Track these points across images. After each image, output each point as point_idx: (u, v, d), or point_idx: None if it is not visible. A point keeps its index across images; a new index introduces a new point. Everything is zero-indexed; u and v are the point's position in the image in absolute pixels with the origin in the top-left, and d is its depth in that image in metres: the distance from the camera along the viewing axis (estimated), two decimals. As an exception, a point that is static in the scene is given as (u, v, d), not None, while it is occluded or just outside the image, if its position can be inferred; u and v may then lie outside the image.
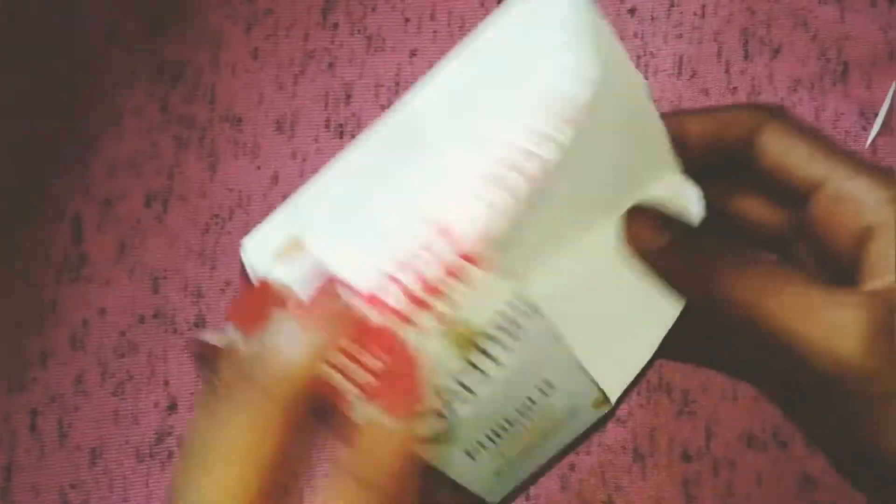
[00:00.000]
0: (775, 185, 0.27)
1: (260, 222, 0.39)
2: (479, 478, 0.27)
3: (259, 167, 0.40)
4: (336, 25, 0.41)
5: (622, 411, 0.37)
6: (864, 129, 0.38)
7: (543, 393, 0.26)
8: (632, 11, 0.40)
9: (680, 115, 0.28)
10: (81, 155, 0.41)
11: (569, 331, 0.26)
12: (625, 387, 0.27)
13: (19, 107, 0.42)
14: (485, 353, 0.24)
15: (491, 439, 0.26)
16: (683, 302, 0.27)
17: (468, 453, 0.26)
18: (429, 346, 0.23)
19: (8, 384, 0.39)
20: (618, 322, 0.27)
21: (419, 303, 0.23)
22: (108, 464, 0.38)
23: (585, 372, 0.26)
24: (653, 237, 0.26)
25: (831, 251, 0.26)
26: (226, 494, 0.20)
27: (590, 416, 0.27)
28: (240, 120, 0.41)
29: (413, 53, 0.41)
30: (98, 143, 0.41)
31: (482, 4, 0.41)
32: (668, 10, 0.40)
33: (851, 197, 0.25)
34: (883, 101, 0.38)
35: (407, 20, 0.41)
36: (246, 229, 0.39)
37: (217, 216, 0.40)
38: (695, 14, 0.40)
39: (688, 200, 0.26)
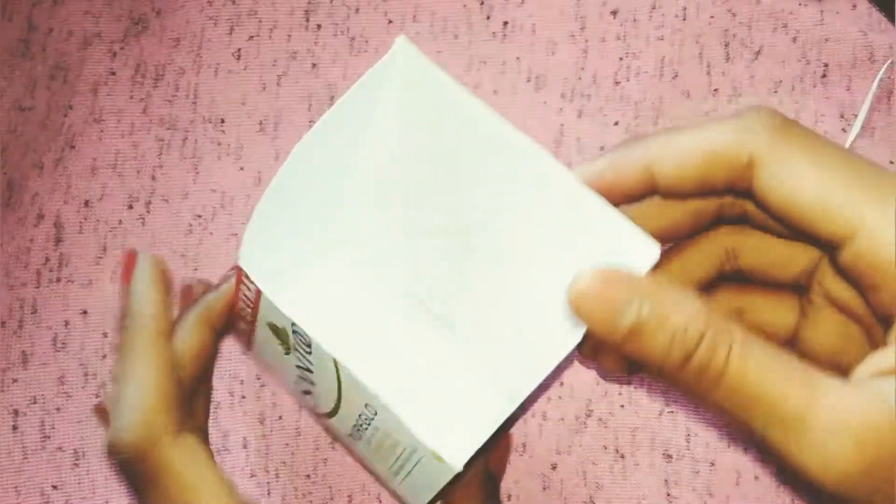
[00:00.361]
0: (788, 228, 0.23)
1: (243, 223, 0.40)
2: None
3: (242, 168, 0.40)
4: (319, 27, 0.41)
5: (603, 411, 0.37)
6: (844, 130, 0.39)
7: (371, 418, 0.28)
8: (614, 13, 0.40)
9: (647, 159, 0.24)
10: (61, 156, 0.41)
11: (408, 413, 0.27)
12: (469, 452, 0.27)
13: (0, 107, 0.42)
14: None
15: None
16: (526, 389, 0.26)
17: None
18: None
19: (-11, 385, 0.39)
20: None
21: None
22: (91, 465, 0.38)
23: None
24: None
25: (868, 302, 0.23)
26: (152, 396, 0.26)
27: (433, 468, 0.27)
28: (222, 121, 0.41)
29: (396, 54, 0.41)
30: (78, 144, 0.41)
31: (465, 6, 0.41)
32: (650, 13, 0.40)
33: (888, 252, 0.21)
34: (862, 102, 0.39)
35: (390, 21, 0.41)
36: (229, 230, 0.40)
37: (200, 217, 0.40)
38: (676, 16, 0.40)
39: (632, 254, 0.25)
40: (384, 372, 0.27)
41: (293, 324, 0.27)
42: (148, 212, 0.40)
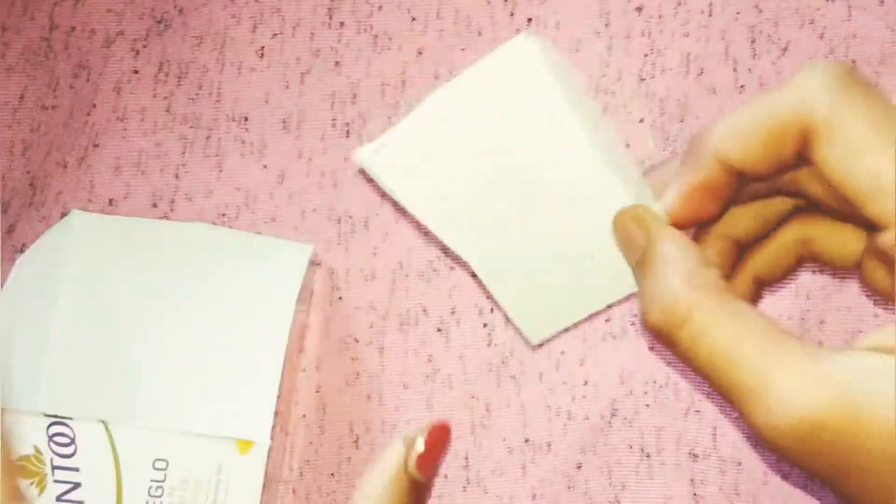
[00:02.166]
0: (845, 207, 0.23)
1: (266, 221, 0.39)
2: None
3: (265, 166, 0.40)
4: (342, 24, 0.41)
5: (628, 411, 0.37)
6: (873, 129, 0.38)
7: (163, 471, 0.31)
8: (639, 10, 0.40)
9: (716, 151, 0.24)
10: (85, 155, 0.41)
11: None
12: (267, 424, 0.32)
13: (23, 106, 0.42)
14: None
15: None
16: None
17: None
18: None
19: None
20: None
21: None
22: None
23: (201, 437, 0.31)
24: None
25: None
26: None
27: (245, 462, 0.31)
28: (246, 119, 0.40)
29: (419, 52, 0.40)
30: (102, 142, 0.41)
31: (489, 3, 0.40)
32: (676, 9, 0.40)
33: None
34: (891, 99, 0.38)
35: (413, 19, 0.41)
36: (252, 228, 0.39)
37: (223, 215, 0.40)
38: (702, 12, 0.40)
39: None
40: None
41: (49, 425, 0.31)
42: (172, 210, 0.40)
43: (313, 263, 0.36)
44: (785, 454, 0.21)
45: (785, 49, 0.39)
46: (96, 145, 0.41)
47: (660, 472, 0.37)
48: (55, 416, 0.31)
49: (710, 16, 0.40)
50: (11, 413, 0.31)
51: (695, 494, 0.36)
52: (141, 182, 0.40)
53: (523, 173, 0.27)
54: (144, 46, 0.41)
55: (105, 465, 0.31)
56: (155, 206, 0.40)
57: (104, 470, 0.31)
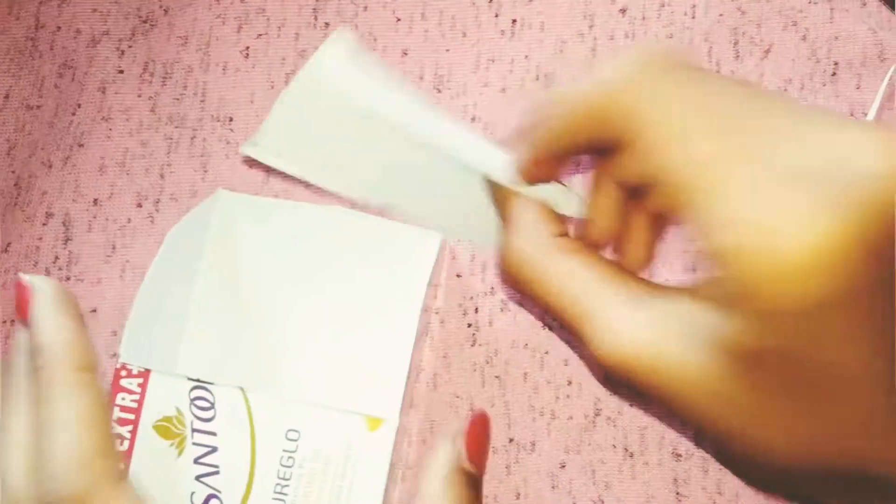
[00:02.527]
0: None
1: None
2: None
3: (251, 166, 0.40)
4: (327, 25, 0.41)
5: (612, 410, 0.37)
6: (853, 130, 0.39)
7: (295, 441, 0.32)
8: (623, 11, 0.40)
9: (550, 121, 0.26)
10: (70, 155, 0.41)
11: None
12: (398, 403, 0.32)
13: (7, 106, 0.42)
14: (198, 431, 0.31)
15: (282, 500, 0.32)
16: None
17: None
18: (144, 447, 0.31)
19: (-1, 384, 0.39)
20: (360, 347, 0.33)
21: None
22: (100, 463, 0.38)
23: (329, 407, 0.32)
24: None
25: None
26: None
27: (373, 439, 0.32)
28: (231, 119, 0.40)
29: (404, 53, 0.40)
30: (87, 142, 0.41)
31: (473, 4, 0.41)
32: (659, 10, 0.40)
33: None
34: (872, 101, 0.39)
35: (398, 20, 0.41)
36: (237, 229, 0.39)
37: (208, 216, 0.40)
38: (685, 14, 0.40)
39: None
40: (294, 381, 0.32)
41: (191, 389, 0.32)
42: (157, 210, 0.40)
43: (442, 250, 0.37)
44: (619, 382, 0.26)
45: (768, 51, 0.39)
46: (81, 145, 0.41)
47: (643, 471, 0.37)
48: (197, 380, 0.32)
49: (693, 17, 0.40)
50: (157, 374, 0.32)
51: (678, 493, 0.36)
52: (126, 182, 0.40)
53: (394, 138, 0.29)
54: (130, 46, 0.41)
55: (241, 432, 0.32)
56: (140, 205, 0.40)
57: (240, 436, 0.32)
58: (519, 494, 0.37)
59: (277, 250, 0.35)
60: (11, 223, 0.40)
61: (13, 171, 0.41)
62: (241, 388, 0.32)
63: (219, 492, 0.31)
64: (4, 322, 0.39)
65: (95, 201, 0.40)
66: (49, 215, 0.40)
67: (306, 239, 0.35)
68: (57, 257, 0.40)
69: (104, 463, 0.23)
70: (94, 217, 0.40)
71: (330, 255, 0.35)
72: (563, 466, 0.37)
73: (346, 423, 0.32)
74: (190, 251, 0.35)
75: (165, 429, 0.32)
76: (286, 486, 0.31)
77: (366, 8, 0.41)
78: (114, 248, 0.40)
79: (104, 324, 0.39)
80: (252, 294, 0.33)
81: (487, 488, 0.37)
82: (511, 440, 0.37)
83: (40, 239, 0.40)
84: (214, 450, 0.31)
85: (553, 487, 0.37)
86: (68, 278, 0.40)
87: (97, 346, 0.39)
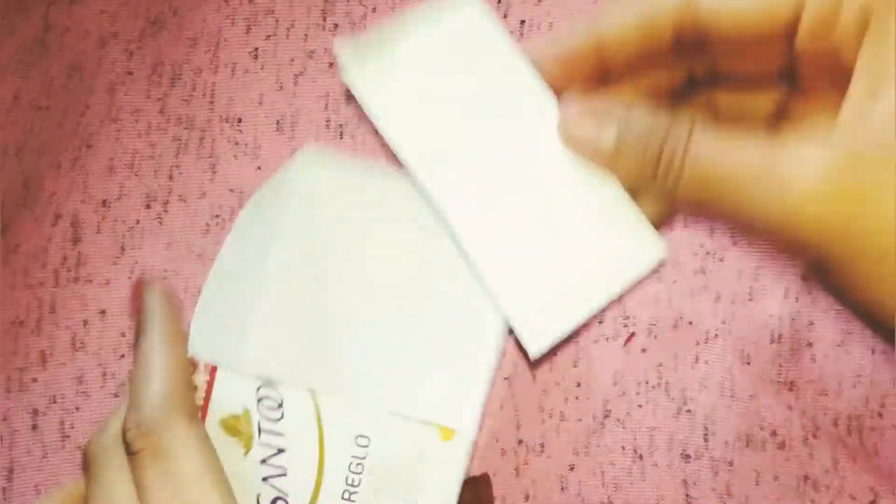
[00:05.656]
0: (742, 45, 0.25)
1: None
2: None
3: (259, 167, 0.40)
4: (336, 26, 0.41)
5: (621, 412, 0.37)
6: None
7: (365, 448, 0.30)
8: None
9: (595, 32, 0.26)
10: (79, 156, 0.41)
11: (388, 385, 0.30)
12: (475, 414, 0.30)
13: (16, 107, 0.42)
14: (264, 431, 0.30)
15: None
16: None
17: None
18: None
19: (7, 384, 0.39)
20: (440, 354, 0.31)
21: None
22: (109, 464, 0.38)
23: (405, 418, 0.30)
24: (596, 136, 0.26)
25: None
26: None
27: (446, 450, 0.30)
28: (240, 120, 0.41)
29: (413, 54, 0.40)
30: (95, 143, 0.41)
31: (482, 5, 0.41)
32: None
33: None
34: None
35: (407, 20, 0.41)
36: (246, 230, 0.39)
37: (217, 217, 0.40)
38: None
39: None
40: (366, 399, 0.30)
41: (259, 387, 0.30)
42: (165, 211, 0.40)
43: None
44: (801, 232, 0.22)
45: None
46: (90, 146, 0.41)
47: (652, 472, 0.37)
48: (265, 379, 0.30)
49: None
50: (225, 370, 0.30)
51: (687, 495, 0.36)
52: (134, 183, 0.40)
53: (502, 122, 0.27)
54: (138, 47, 0.41)
55: (310, 434, 0.30)
56: (148, 206, 0.40)
57: (308, 439, 0.30)
58: (528, 496, 0.37)
59: (361, 236, 0.31)
60: (20, 224, 0.40)
61: (22, 172, 0.41)
62: (311, 391, 0.30)
63: (286, 495, 0.30)
64: (14, 323, 0.39)
65: (104, 202, 0.40)
66: (58, 216, 0.40)
67: (397, 224, 0.31)
68: (65, 258, 0.40)
69: (184, 401, 0.27)
70: (103, 218, 0.40)
71: (415, 259, 0.32)
72: (573, 468, 0.37)
73: (419, 432, 0.30)
74: (263, 232, 0.31)
75: (232, 426, 0.30)
76: (354, 493, 0.30)
77: (374, 9, 0.41)
78: (122, 249, 0.40)
79: (113, 325, 0.39)
80: (328, 285, 0.31)
81: (496, 490, 0.37)
82: (520, 442, 0.37)
83: (49, 240, 0.40)
84: (282, 451, 0.30)
85: (562, 489, 0.37)
86: (77, 279, 0.40)
87: (106, 349, 0.39)
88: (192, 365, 0.30)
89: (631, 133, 0.25)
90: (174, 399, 0.27)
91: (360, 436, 0.30)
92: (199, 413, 0.29)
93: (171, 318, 0.29)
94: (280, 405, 0.30)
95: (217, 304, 0.31)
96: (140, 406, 0.27)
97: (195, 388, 0.29)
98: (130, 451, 0.27)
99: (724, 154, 0.23)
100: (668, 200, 0.26)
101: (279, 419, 0.30)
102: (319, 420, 0.30)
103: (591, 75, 0.27)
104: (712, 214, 0.25)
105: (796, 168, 0.22)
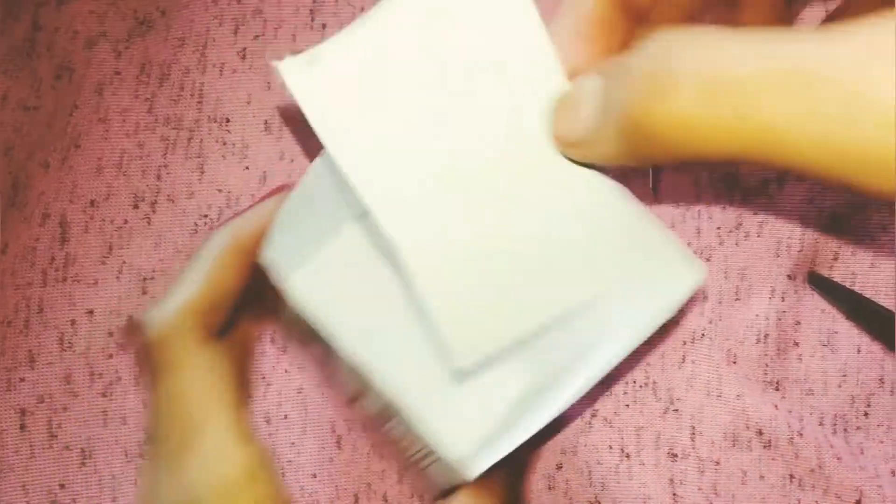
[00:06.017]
0: None
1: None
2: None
3: (247, 168, 0.40)
4: (324, 26, 0.41)
5: (608, 411, 0.37)
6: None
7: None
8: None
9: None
10: (67, 156, 0.41)
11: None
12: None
13: (5, 107, 0.42)
14: None
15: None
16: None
17: None
18: None
19: (-4, 385, 0.39)
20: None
21: None
22: (98, 464, 0.38)
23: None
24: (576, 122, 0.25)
25: None
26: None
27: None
28: (228, 120, 0.41)
29: (401, 54, 0.40)
30: (84, 143, 0.41)
31: (470, 5, 0.41)
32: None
33: None
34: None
35: (395, 21, 0.41)
36: (234, 230, 0.39)
37: (205, 217, 0.40)
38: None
39: (678, 273, 0.26)
40: (404, 371, 0.27)
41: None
42: (153, 211, 0.40)
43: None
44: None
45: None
46: (78, 146, 0.41)
47: (639, 472, 0.37)
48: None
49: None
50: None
51: (674, 494, 0.36)
52: (122, 183, 0.40)
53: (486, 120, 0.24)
54: (127, 48, 0.41)
55: (354, 371, 0.28)
56: (136, 207, 0.40)
57: (353, 371, 0.28)
58: (515, 495, 0.37)
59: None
60: (8, 224, 0.40)
61: (10, 172, 0.41)
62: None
63: (341, 377, 0.29)
64: (1, 323, 0.39)
65: (92, 202, 0.40)
66: (46, 216, 0.40)
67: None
68: (53, 258, 0.40)
69: (197, 320, 0.28)
70: (91, 218, 0.40)
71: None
72: (560, 467, 0.37)
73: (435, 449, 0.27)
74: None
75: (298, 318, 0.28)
76: (388, 420, 0.28)
77: (363, 9, 0.41)
78: (110, 249, 0.40)
79: (100, 325, 0.39)
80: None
81: (484, 489, 0.37)
82: (507, 441, 0.37)
83: (37, 240, 0.40)
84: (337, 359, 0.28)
85: (550, 488, 0.37)
86: (65, 279, 0.40)
87: (94, 349, 0.39)
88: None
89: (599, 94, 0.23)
90: (191, 313, 0.28)
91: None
92: (212, 337, 0.28)
93: (228, 253, 0.29)
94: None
95: (296, 220, 0.28)
96: (158, 310, 0.28)
97: (222, 311, 0.28)
98: (147, 356, 0.28)
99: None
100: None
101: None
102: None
103: (627, 30, 0.26)
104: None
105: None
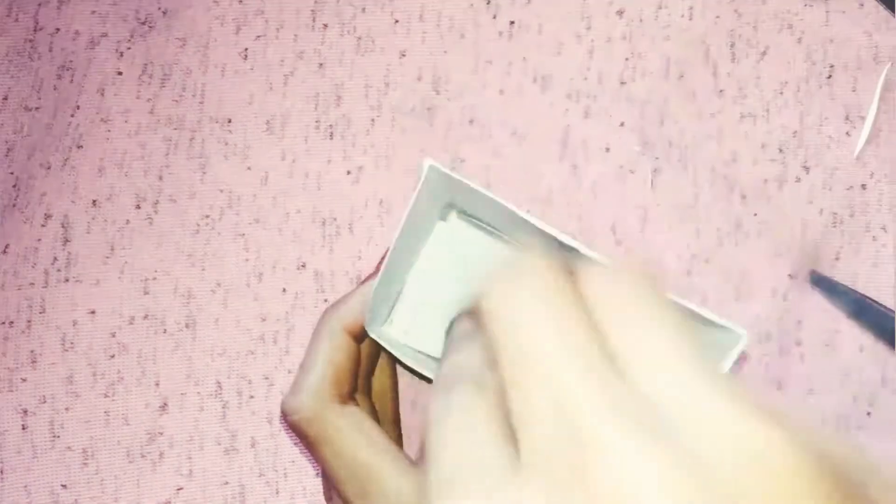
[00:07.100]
0: None
1: (250, 223, 0.40)
2: None
3: (249, 168, 0.40)
4: (326, 26, 0.41)
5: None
6: (849, 134, 0.39)
7: None
8: (620, 13, 0.40)
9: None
10: (69, 156, 0.41)
11: None
12: None
13: (6, 108, 0.42)
14: None
15: None
16: None
17: None
18: None
19: (-2, 385, 0.39)
20: None
21: None
22: (100, 464, 0.38)
23: None
24: None
25: None
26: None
27: None
28: (229, 121, 0.41)
29: (402, 54, 0.41)
30: (85, 144, 0.41)
31: (471, 6, 0.41)
32: (656, 12, 0.40)
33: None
34: (868, 103, 0.39)
35: (396, 21, 0.41)
36: (236, 230, 0.40)
37: (207, 217, 0.40)
38: (682, 16, 0.40)
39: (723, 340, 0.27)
40: None
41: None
42: (155, 212, 0.40)
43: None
44: None
45: (764, 53, 0.40)
46: (80, 146, 0.41)
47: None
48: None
49: (690, 20, 0.40)
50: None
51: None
52: (124, 183, 0.40)
53: None
54: (128, 48, 0.41)
55: None
56: (138, 207, 0.40)
57: None
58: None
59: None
60: (10, 225, 0.40)
61: (12, 173, 0.41)
62: None
63: None
64: (3, 324, 0.39)
65: (94, 202, 0.40)
66: (48, 216, 0.40)
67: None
68: (55, 258, 0.40)
69: (333, 390, 0.32)
70: (93, 218, 0.40)
71: None
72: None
73: None
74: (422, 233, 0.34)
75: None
76: None
77: (364, 10, 0.41)
78: (112, 249, 0.40)
79: (102, 325, 0.39)
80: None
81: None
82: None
83: (39, 240, 0.40)
84: None
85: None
86: (67, 280, 0.40)
87: (96, 349, 0.39)
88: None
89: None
90: (325, 386, 0.32)
91: None
92: (350, 399, 0.33)
93: (337, 318, 0.33)
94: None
95: (379, 297, 0.33)
96: (296, 393, 0.32)
97: (347, 380, 0.33)
98: (302, 434, 0.32)
99: None
100: None
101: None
102: None
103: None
104: None
105: None
